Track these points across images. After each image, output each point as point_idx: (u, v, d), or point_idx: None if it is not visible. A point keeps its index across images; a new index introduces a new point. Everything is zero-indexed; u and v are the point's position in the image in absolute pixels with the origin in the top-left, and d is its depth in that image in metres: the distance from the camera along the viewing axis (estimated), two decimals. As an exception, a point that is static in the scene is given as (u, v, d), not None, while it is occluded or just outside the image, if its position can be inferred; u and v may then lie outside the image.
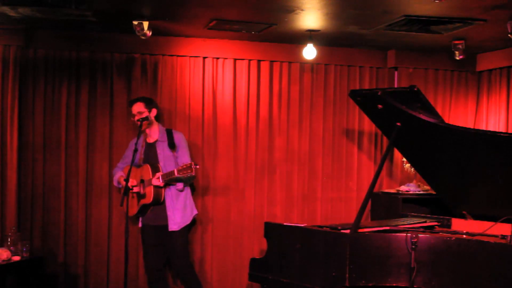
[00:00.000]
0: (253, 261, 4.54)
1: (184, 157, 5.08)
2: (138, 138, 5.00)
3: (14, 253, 4.99)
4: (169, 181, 4.92)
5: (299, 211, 6.12)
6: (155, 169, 4.98)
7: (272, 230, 4.44)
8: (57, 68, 5.59)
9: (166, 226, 5.05)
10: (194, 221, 5.43)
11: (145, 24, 4.94)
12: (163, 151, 5.09)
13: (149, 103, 5.14)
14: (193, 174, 4.72)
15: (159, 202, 5.00)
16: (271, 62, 6.05)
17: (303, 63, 6.08)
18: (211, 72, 5.90)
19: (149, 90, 5.74)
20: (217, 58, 5.90)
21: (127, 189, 4.77)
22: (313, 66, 6.15)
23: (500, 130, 5.94)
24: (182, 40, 5.78)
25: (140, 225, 5.25)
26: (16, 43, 5.36)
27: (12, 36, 5.34)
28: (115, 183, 5.30)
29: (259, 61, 6.01)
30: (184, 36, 5.74)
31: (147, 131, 5.15)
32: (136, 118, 5.06)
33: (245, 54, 5.95)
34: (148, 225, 5.15)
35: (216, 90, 5.92)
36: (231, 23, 5.11)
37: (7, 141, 5.37)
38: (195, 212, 5.28)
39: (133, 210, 5.12)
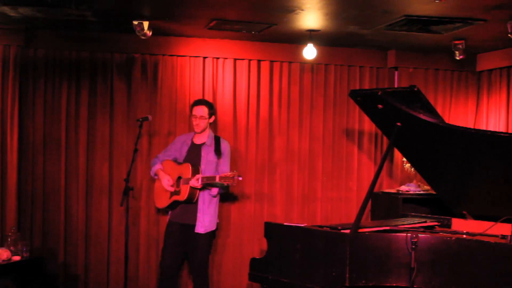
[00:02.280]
0: (253, 261, 4.53)
1: (225, 166, 5.07)
2: (138, 138, 4.99)
3: (14, 253, 4.99)
4: (207, 185, 4.91)
5: (299, 211, 6.13)
6: (196, 170, 4.95)
7: (272, 230, 4.44)
8: (57, 68, 5.59)
9: (193, 226, 5.01)
10: (217, 228, 5.36)
11: (145, 24, 4.95)
12: (207, 155, 5.06)
13: (211, 109, 5.13)
14: (234, 185, 4.70)
15: (191, 202, 4.98)
16: (271, 62, 6.06)
17: (303, 63, 6.09)
18: (211, 72, 5.90)
19: (149, 90, 5.75)
20: (217, 58, 5.91)
21: (127, 189, 4.77)
22: (313, 66, 6.15)
23: (500, 130, 5.94)
24: (182, 40, 5.78)
25: (169, 217, 5.18)
26: (16, 43, 5.37)
27: (12, 36, 5.35)
28: (152, 174, 5.21)
29: (259, 61, 6.02)
30: (184, 36, 5.75)
31: (197, 135, 5.14)
32: (197, 121, 5.04)
33: (245, 54, 5.95)
34: (175, 222, 5.10)
35: (216, 90, 5.92)
36: (231, 23, 5.12)
37: (7, 141, 5.37)
38: (217, 220, 5.23)
39: (163, 203, 5.12)
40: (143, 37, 5.06)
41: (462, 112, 6.46)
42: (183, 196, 4.95)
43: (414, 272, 3.88)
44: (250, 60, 5.98)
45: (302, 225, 4.45)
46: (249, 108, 6.00)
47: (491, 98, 6.27)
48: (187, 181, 4.93)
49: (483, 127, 6.27)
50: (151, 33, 5.07)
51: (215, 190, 5.00)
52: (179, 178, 5.03)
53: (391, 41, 5.77)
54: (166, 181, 5.04)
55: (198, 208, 5.00)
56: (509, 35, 4.69)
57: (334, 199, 6.22)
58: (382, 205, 5.86)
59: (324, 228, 4.22)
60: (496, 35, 5.31)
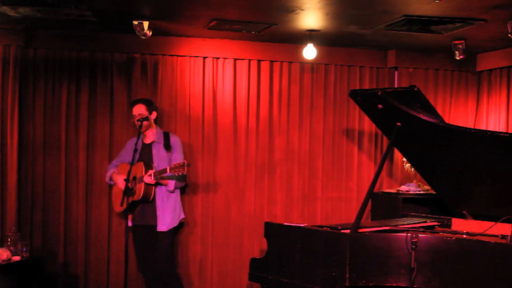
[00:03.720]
0: (253, 261, 4.54)
1: (178, 160, 5.12)
2: (138, 138, 5.00)
3: (14, 253, 4.99)
4: (161, 178, 4.96)
5: (299, 211, 6.12)
6: (148, 167, 5.02)
7: (272, 230, 4.44)
8: (57, 68, 5.59)
9: (155, 226, 5.07)
10: (181, 225, 5.45)
11: (145, 24, 4.95)
12: (158, 151, 5.14)
13: (150, 105, 5.20)
14: (185, 173, 4.75)
15: (148, 200, 5.03)
16: (271, 62, 6.05)
17: (303, 63, 6.08)
18: (211, 72, 5.90)
19: (149, 90, 5.74)
20: (217, 58, 5.90)
21: (127, 189, 4.77)
22: (313, 66, 6.15)
23: (500, 130, 5.94)
24: (182, 40, 5.78)
25: (130, 223, 5.16)
26: (16, 43, 5.37)
27: (12, 36, 5.35)
28: (107, 180, 5.33)
29: (259, 61, 6.01)
30: (184, 36, 5.75)
31: (146, 132, 5.19)
32: (137, 119, 5.09)
33: (245, 54, 5.95)
34: (138, 225, 5.16)
35: (216, 90, 5.92)
36: (231, 23, 5.12)
37: (7, 141, 5.37)
38: (182, 216, 5.30)
39: (122, 206, 5.06)
40: (143, 37, 5.06)
41: (462, 112, 6.45)
42: (138, 195, 4.99)
43: (414, 272, 3.88)
44: (250, 60, 5.98)
45: (302, 225, 4.45)
46: (249, 108, 5.99)
47: (491, 98, 6.27)
48: (141, 180, 4.97)
49: (483, 127, 6.27)
50: (151, 33, 5.06)
51: (171, 186, 5.05)
52: (134, 178, 5.04)
53: (391, 41, 5.77)
54: (120, 181, 5.03)
55: (157, 206, 5.06)
56: (509, 35, 4.69)
57: (334, 199, 6.22)
58: (382, 205, 5.86)
59: (324, 228, 4.23)
60: (496, 35, 5.31)
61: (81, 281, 5.61)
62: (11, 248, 5.01)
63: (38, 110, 5.55)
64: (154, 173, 4.90)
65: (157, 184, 5.02)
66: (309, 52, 5.54)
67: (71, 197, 5.61)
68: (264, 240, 4.52)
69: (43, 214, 5.54)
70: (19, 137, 5.43)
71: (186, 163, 4.69)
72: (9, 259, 4.92)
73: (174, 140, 5.24)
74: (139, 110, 5.12)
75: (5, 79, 5.37)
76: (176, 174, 4.79)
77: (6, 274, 4.87)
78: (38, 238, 5.51)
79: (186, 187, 5.61)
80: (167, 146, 5.13)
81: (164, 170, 4.83)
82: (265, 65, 6.04)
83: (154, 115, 5.21)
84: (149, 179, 4.91)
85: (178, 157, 5.15)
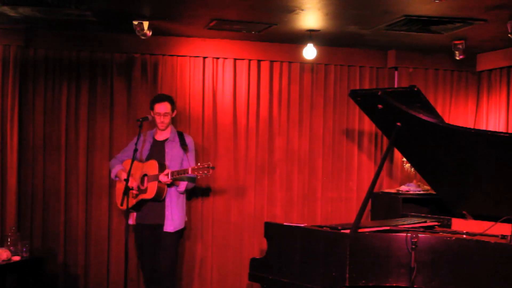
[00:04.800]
0: (253, 261, 4.53)
1: (191, 161, 5.07)
2: (138, 138, 4.97)
3: (14, 253, 4.99)
4: (176, 179, 4.91)
5: (299, 211, 6.13)
6: (162, 166, 4.94)
7: (272, 230, 4.44)
8: (57, 68, 5.59)
9: (161, 225, 4.99)
10: (185, 227, 5.34)
11: (145, 24, 4.95)
12: (171, 150, 5.06)
13: (173, 104, 5.12)
14: (209, 175, 4.70)
15: (159, 200, 4.95)
16: (271, 62, 6.06)
17: (303, 63, 6.08)
18: (211, 72, 5.90)
19: (149, 90, 5.74)
20: (217, 58, 5.91)
21: (127, 189, 4.74)
22: (313, 66, 6.15)
23: (500, 130, 5.94)
24: (182, 40, 5.78)
25: (130, 222, 5.02)
26: (16, 43, 5.37)
27: (12, 36, 5.35)
28: (112, 176, 5.16)
29: (259, 61, 6.02)
30: (184, 36, 5.75)
31: (160, 131, 5.11)
32: (162, 118, 5.02)
33: (245, 54, 5.95)
34: (142, 224, 5.05)
35: (216, 90, 5.92)
36: (231, 23, 5.12)
37: (7, 141, 5.37)
38: (186, 218, 5.22)
39: (129, 204, 4.91)
40: (143, 37, 5.06)
41: (462, 112, 6.46)
42: (150, 193, 4.90)
43: (414, 272, 3.88)
44: (250, 60, 5.98)
45: (302, 225, 4.45)
46: (249, 108, 6.00)
47: (491, 98, 6.27)
48: (154, 178, 4.88)
49: (483, 127, 6.27)
50: (151, 33, 5.07)
51: (182, 186, 4.98)
52: (144, 175, 4.98)
53: (391, 41, 5.77)
54: (129, 181, 4.82)
55: (166, 206, 4.97)
56: (509, 35, 4.69)
57: (334, 199, 6.22)
58: (382, 205, 5.86)
59: (324, 228, 4.23)
60: (496, 35, 5.31)
61: (81, 281, 5.61)
62: (11, 248, 5.01)
63: (38, 110, 5.55)
64: (172, 172, 4.81)
65: (171, 184, 4.94)
66: (309, 52, 5.54)
67: (71, 197, 5.61)
68: (264, 240, 4.52)
69: (43, 214, 5.54)
70: (19, 137, 5.43)
71: (210, 165, 4.62)
72: (9, 259, 4.92)
73: (190, 140, 5.17)
74: (166, 108, 5.04)
75: (5, 79, 5.37)
76: (199, 176, 4.72)
77: (6, 274, 4.88)
78: (38, 238, 5.51)
79: (193, 190, 5.57)
80: (184, 146, 5.08)
81: (185, 171, 4.75)
82: (265, 65, 6.04)
83: (174, 113, 5.16)
84: (165, 178, 4.81)
85: (191, 158, 5.08)
